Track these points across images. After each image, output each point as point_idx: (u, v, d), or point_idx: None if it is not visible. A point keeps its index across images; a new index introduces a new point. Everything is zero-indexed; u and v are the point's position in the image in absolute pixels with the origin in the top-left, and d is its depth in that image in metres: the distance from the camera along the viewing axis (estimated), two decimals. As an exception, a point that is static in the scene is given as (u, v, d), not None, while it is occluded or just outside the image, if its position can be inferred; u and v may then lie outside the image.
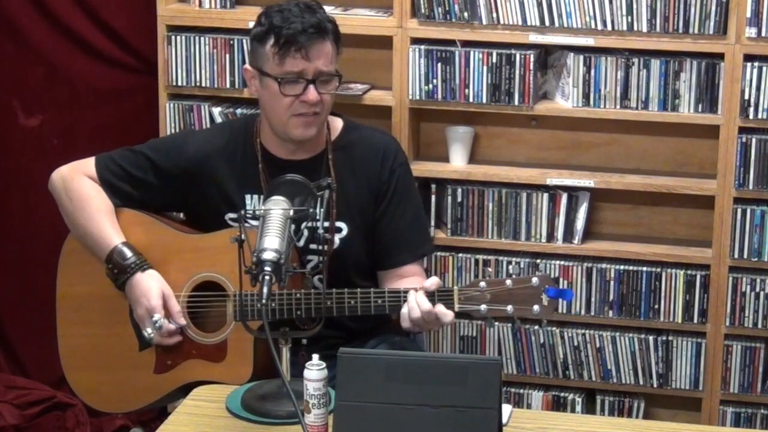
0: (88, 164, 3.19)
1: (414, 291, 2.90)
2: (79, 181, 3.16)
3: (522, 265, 4.03)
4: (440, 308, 2.87)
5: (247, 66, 3.13)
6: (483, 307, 2.87)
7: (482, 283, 2.88)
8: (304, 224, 3.10)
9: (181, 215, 3.33)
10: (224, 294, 3.04)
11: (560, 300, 2.89)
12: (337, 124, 3.22)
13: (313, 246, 3.13)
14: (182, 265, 3.06)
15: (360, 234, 3.17)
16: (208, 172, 3.16)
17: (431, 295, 2.89)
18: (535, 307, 2.85)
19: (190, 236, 3.13)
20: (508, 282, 2.86)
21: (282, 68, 3.02)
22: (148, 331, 2.99)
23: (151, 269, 3.05)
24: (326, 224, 3.13)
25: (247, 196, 3.14)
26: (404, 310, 2.90)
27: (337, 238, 3.15)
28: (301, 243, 3.14)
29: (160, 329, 3.00)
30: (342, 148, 3.18)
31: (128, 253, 3.05)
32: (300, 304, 2.92)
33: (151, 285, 3.02)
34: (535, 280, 2.86)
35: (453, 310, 2.88)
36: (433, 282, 2.90)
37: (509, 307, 2.86)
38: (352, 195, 3.16)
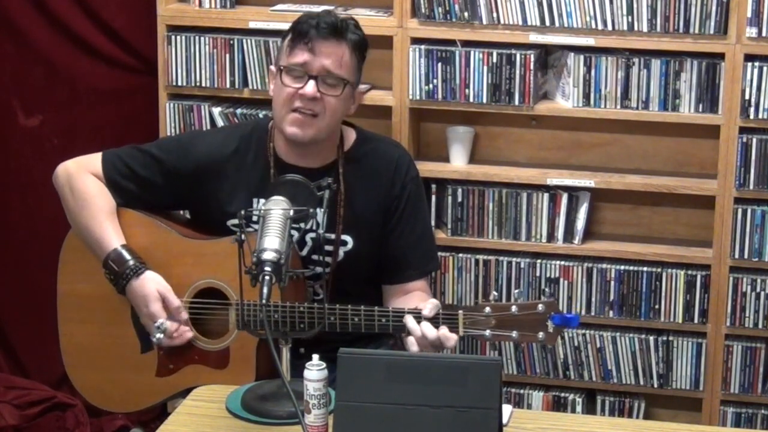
0: (95, 161, 3.18)
1: (410, 316, 2.89)
2: (83, 179, 3.15)
3: (522, 266, 4.02)
4: (444, 332, 2.86)
5: (272, 67, 3.13)
6: (488, 332, 2.87)
7: (487, 308, 2.87)
8: (308, 235, 3.11)
9: (187, 214, 3.32)
10: (226, 302, 3.03)
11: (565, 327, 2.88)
12: (351, 135, 3.21)
13: (315, 257, 3.12)
14: (184, 270, 3.05)
15: (365, 248, 3.15)
16: (214, 176, 3.15)
17: (434, 319, 2.88)
18: (540, 334, 2.85)
19: (193, 241, 3.12)
20: (514, 308, 2.85)
21: (289, 59, 3.03)
22: (157, 336, 2.99)
23: (147, 271, 3.04)
24: (332, 237, 3.13)
25: (254, 201, 3.13)
26: (410, 339, 2.89)
27: (341, 251, 3.14)
28: (304, 253, 3.13)
29: (165, 332, 2.99)
30: (354, 160, 3.16)
31: (125, 256, 3.04)
32: (303, 318, 2.91)
33: (147, 290, 3.01)
34: (540, 306, 2.85)
35: (457, 334, 2.88)
36: (432, 308, 2.89)
37: (514, 333, 2.85)
38: (361, 208, 3.15)
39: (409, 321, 2.88)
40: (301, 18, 3.07)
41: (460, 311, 2.88)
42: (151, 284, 3.02)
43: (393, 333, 2.97)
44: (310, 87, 3.00)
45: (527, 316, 2.85)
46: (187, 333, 3.03)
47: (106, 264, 3.05)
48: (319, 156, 3.11)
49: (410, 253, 3.18)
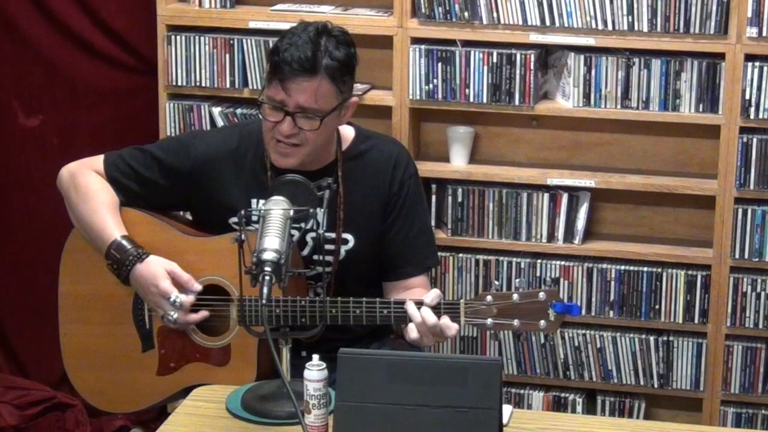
0: (97, 161, 3.20)
1: (410, 301, 2.89)
2: (86, 175, 3.16)
3: (523, 266, 4.02)
4: (445, 321, 2.86)
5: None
6: (489, 321, 2.87)
7: (489, 297, 2.87)
8: (308, 235, 3.11)
9: (188, 215, 3.32)
10: (228, 298, 3.03)
11: (566, 315, 2.89)
12: (349, 133, 3.20)
13: (316, 257, 3.12)
14: (185, 267, 3.05)
15: (366, 246, 3.15)
16: (214, 175, 3.15)
17: (436, 308, 2.89)
18: (542, 322, 2.85)
19: (194, 238, 3.12)
20: (515, 296, 2.86)
21: (268, 91, 3.01)
22: (171, 314, 2.98)
23: (151, 255, 3.04)
24: (332, 236, 3.13)
25: (253, 201, 3.13)
26: (410, 325, 2.90)
27: (343, 249, 3.14)
28: (305, 253, 3.13)
29: (181, 306, 2.98)
30: (352, 159, 3.16)
31: (126, 245, 3.04)
32: (305, 312, 2.91)
33: (154, 270, 3.01)
34: (542, 294, 2.85)
35: (459, 323, 2.88)
36: (434, 297, 2.89)
37: (516, 321, 2.86)
38: (361, 206, 3.14)
39: (410, 307, 2.89)
40: (280, 44, 3.00)
41: (462, 300, 2.90)
42: (157, 264, 3.02)
43: (394, 324, 2.97)
44: (286, 125, 3.00)
45: (529, 305, 2.86)
46: (202, 311, 3.03)
47: (108, 254, 3.05)
48: (317, 160, 3.11)
49: (409, 249, 3.18)
